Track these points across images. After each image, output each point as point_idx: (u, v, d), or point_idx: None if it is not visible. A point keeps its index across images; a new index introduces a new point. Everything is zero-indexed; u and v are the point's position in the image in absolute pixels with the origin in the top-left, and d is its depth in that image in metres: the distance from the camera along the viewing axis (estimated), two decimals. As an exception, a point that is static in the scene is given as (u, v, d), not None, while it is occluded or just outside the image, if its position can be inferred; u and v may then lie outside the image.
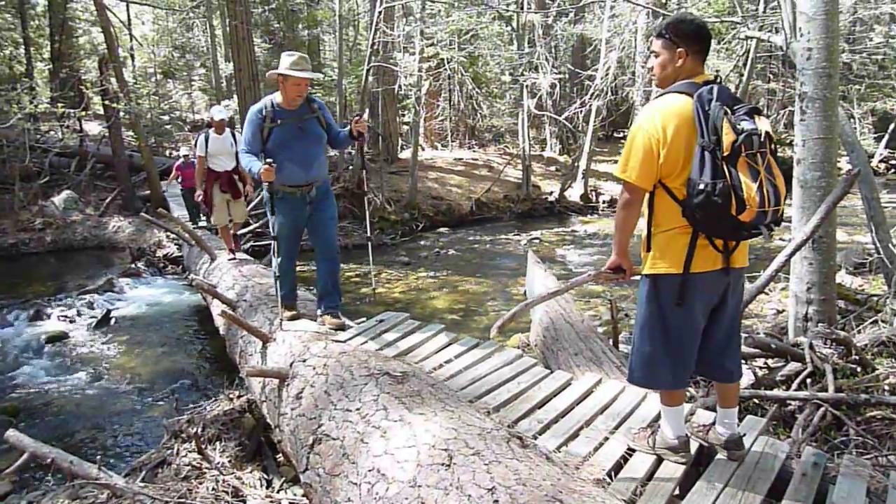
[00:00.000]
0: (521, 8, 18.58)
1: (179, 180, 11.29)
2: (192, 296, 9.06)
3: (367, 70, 14.54)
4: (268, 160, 4.00)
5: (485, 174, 18.62)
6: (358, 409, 2.83)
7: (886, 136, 22.36)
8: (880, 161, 22.31)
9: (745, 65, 18.62)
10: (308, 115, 4.23)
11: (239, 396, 4.87)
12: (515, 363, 3.82)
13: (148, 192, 14.49)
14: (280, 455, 4.11)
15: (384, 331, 4.32)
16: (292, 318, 4.45)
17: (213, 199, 7.02)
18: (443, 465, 2.24)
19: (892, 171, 22.23)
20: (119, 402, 5.83)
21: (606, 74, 15.75)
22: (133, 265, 11.29)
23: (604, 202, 17.83)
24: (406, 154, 19.09)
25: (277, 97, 4.20)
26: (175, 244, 11.46)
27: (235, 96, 16.01)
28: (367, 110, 17.83)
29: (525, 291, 7.09)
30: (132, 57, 18.85)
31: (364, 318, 4.73)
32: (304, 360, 3.57)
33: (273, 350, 4.07)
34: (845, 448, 3.76)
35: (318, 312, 4.48)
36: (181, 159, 11.42)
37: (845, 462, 2.87)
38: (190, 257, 8.94)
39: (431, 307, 9.01)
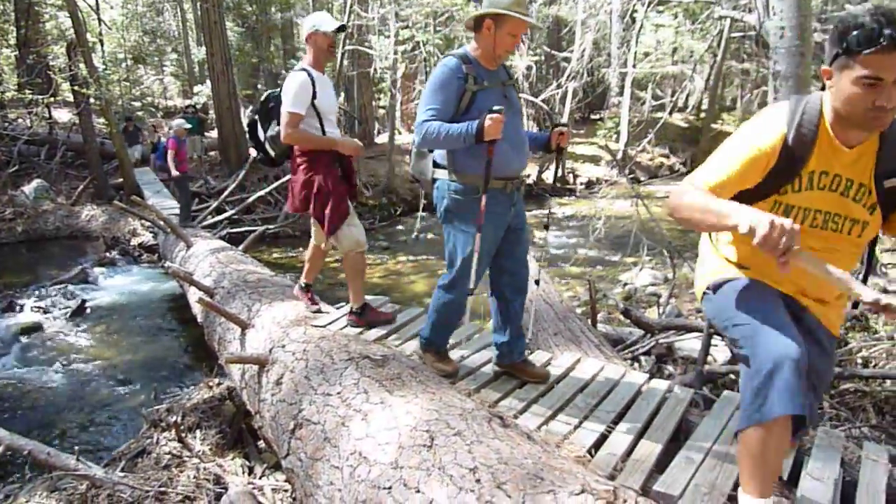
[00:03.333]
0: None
1: (171, 162, 9.99)
2: (169, 284, 8.96)
3: (342, 53, 14.38)
4: (495, 108, 2.77)
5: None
6: (339, 393, 2.83)
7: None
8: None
9: (719, 45, 18.74)
10: (508, 82, 3.09)
11: (219, 384, 4.85)
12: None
13: (120, 179, 14.26)
14: (261, 441, 4.09)
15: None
16: (449, 373, 3.33)
17: None
18: (424, 446, 2.24)
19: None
20: (96, 393, 5.76)
21: (582, 56, 15.75)
22: (107, 254, 11.12)
23: (581, 184, 17.89)
24: (383, 138, 18.99)
25: (472, 49, 2.98)
26: (150, 232, 11.30)
27: (209, 81, 15.75)
28: (342, 94, 17.68)
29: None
30: (101, 42, 18.40)
31: (343, 303, 4.71)
32: (284, 346, 3.55)
33: (252, 336, 4.04)
34: (819, 421, 3.84)
35: (495, 361, 3.41)
36: (171, 133, 10.60)
37: (820, 434, 2.92)
38: (166, 245, 8.82)
39: (411, 291, 9.01)
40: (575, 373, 3.43)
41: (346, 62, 15.71)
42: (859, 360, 4.35)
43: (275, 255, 11.16)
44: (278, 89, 4.07)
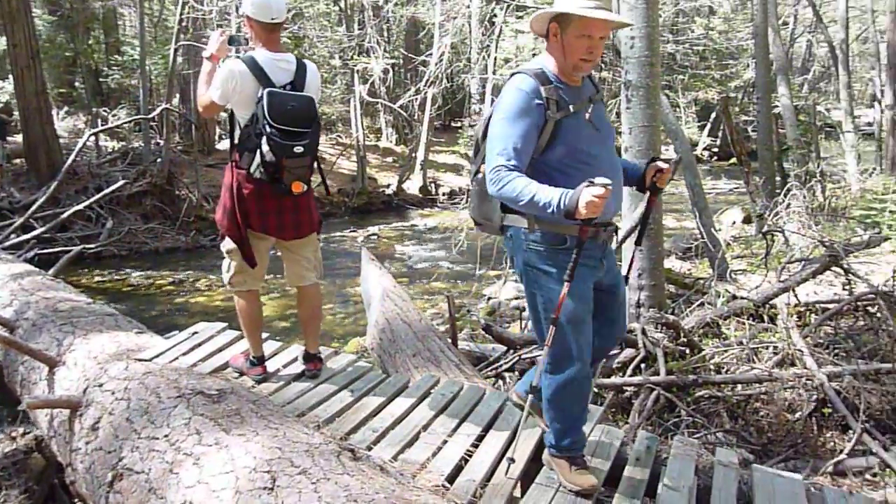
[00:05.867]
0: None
1: None
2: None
3: (175, 50, 13.74)
4: (598, 181, 2.25)
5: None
6: (166, 437, 2.66)
7: (709, 125, 24.92)
8: (703, 149, 24.81)
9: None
10: (596, 97, 2.59)
11: (24, 434, 4.42)
12: (349, 370, 3.79)
13: None
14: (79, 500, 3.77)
15: (198, 344, 4.10)
16: (586, 490, 2.67)
17: None
18: (265, 488, 2.16)
19: (715, 158, 24.80)
20: None
21: (441, 60, 16.12)
22: None
23: (443, 195, 18.23)
24: (225, 145, 18.30)
25: (550, 63, 2.51)
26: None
27: (11, 77, 14.43)
28: (177, 95, 16.88)
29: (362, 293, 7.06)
30: None
31: (176, 332, 4.46)
32: (101, 385, 3.28)
33: (62, 375, 3.71)
34: (677, 429, 4.14)
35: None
36: None
37: (675, 443, 3.15)
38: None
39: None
40: (433, 395, 3.46)
41: (180, 59, 15.03)
42: (712, 367, 4.73)
43: (97, 279, 10.38)
44: None
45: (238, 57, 3.30)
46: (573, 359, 2.57)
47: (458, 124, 22.93)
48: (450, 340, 4.86)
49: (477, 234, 10.74)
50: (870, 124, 19.43)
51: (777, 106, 12.53)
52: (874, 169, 11.86)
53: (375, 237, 13.83)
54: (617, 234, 2.83)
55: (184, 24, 13.97)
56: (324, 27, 20.53)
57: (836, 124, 15.15)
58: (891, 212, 8.39)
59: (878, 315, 4.76)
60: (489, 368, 5.22)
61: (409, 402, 3.38)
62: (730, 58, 24.67)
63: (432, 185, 18.60)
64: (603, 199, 2.22)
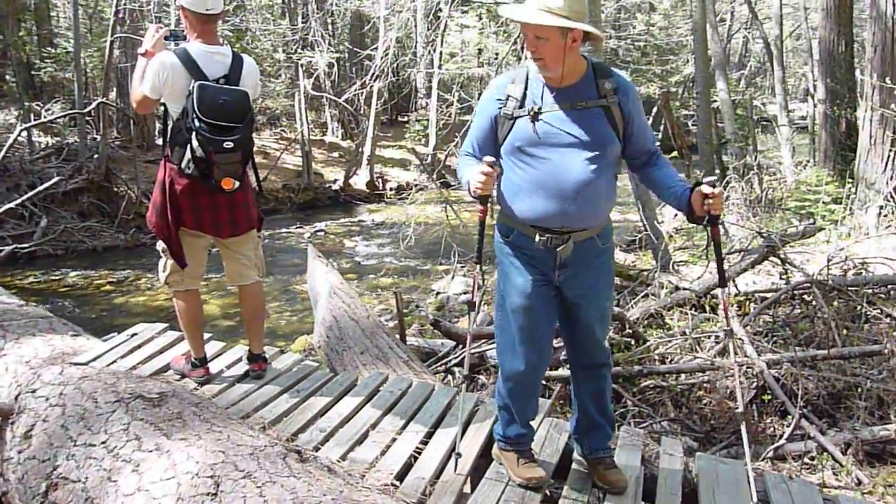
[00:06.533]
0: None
1: None
2: None
3: (111, 42, 13.30)
4: (487, 159, 2.41)
5: (260, 161, 17.97)
6: (104, 443, 2.57)
7: (650, 119, 25.42)
8: (646, 143, 25.31)
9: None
10: (590, 103, 2.43)
11: (-49, 444, 4.21)
12: (294, 369, 3.72)
13: None
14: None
15: (138, 346, 3.97)
16: (534, 481, 2.67)
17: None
18: (208, 494, 2.10)
19: (657, 152, 25.31)
20: None
21: (386, 55, 16.01)
22: None
23: (391, 190, 18.15)
24: (166, 140, 17.82)
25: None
26: None
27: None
28: (114, 89, 16.36)
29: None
30: None
31: (114, 334, 4.31)
32: (34, 391, 3.15)
33: (-8, 382, 3.55)
34: (624, 419, 4.21)
35: (577, 452, 2.92)
36: None
37: (622, 434, 3.19)
38: None
39: (204, 314, 8.52)
40: (381, 393, 3.44)
41: (116, 52, 14.55)
42: (656, 357, 4.82)
43: (30, 280, 9.98)
44: None
45: (171, 49, 3.20)
46: (514, 351, 2.61)
47: (405, 119, 22.83)
48: (398, 337, 4.84)
49: (425, 229, 10.76)
50: (804, 118, 20.14)
51: (716, 100, 12.84)
52: (808, 161, 12.26)
53: (322, 233, 13.68)
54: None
55: (120, 15, 13.53)
56: (266, 20, 20.16)
57: (771, 118, 15.64)
58: (824, 202, 8.69)
59: (814, 303, 4.92)
60: (438, 364, 5.22)
61: (357, 400, 3.34)
62: (670, 53, 25.19)
63: (379, 180, 18.49)
64: (487, 177, 2.36)
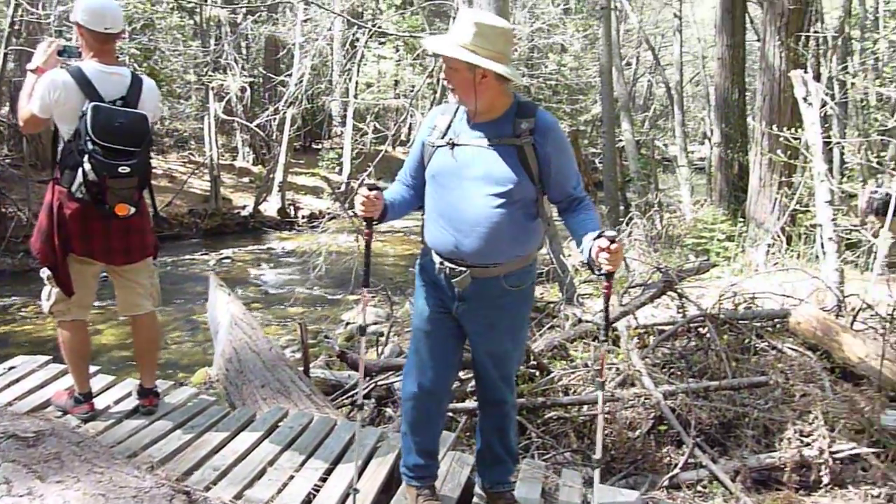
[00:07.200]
0: (205, 0, 17.90)
1: None
2: None
3: (5, 54, 12.63)
4: (367, 182, 2.54)
5: (165, 185, 17.41)
6: (-32, 488, 2.36)
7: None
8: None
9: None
10: (504, 141, 2.42)
11: None
12: (189, 404, 3.56)
13: None
14: None
15: (16, 380, 3.71)
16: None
17: None
18: (83, 542, 1.96)
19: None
20: None
21: (301, 81, 15.90)
22: None
23: (303, 217, 17.89)
24: (63, 160, 16.99)
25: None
26: None
27: None
28: (6, 104, 15.50)
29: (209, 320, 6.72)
30: None
31: (-9, 366, 4.02)
32: None
33: None
34: (528, 451, 4.23)
35: (478, 486, 2.94)
36: None
37: (523, 466, 3.21)
38: None
39: (95, 344, 8.07)
40: (280, 429, 3.33)
41: (11, 65, 13.81)
42: (560, 389, 4.90)
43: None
44: None
45: (64, 67, 3.06)
46: (412, 375, 2.68)
47: (319, 146, 22.66)
48: (301, 369, 4.72)
49: (337, 257, 10.63)
50: (702, 159, 21.25)
51: (621, 140, 13.39)
52: (705, 200, 12.93)
53: (229, 260, 13.30)
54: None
55: (16, 27, 12.88)
56: (177, 40, 19.65)
57: (672, 158, 16.42)
58: (718, 240, 9.15)
59: (708, 336, 5.14)
60: (345, 396, 5.12)
61: (255, 436, 3.23)
62: (580, 93, 26.13)
63: (291, 207, 18.21)
64: (366, 200, 2.44)
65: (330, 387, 5.33)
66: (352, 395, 5.14)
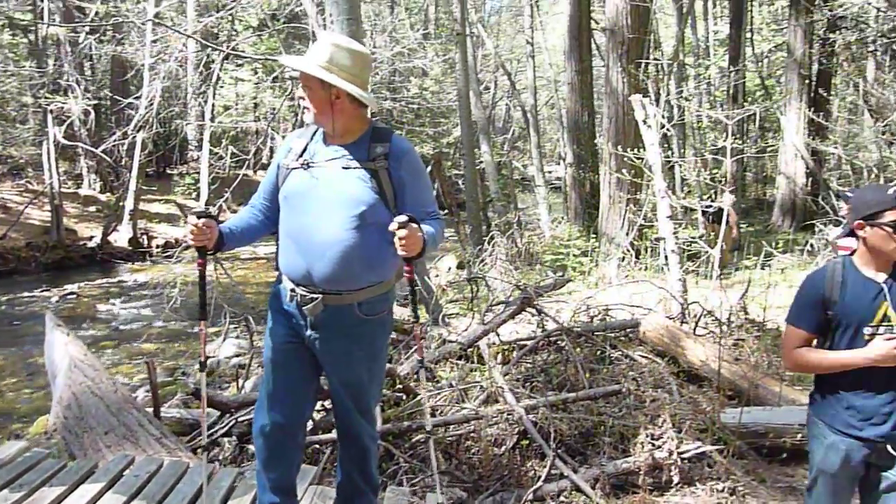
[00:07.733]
0: (41, 18, 16.69)
1: None
2: None
3: None
4: (194, 211, 2.43)
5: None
6: None
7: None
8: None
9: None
10: (365, 164, 2.40)
11: None
12: (19, 460, 3.23)
13: None
14: None
15: None
16: None
17: None
18: None
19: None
20: None
21: (151, 104, 15.15)
22: None
23: (157, 247, 16.97)
24: None
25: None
26: None
27: None
28: None
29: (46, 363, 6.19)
30: None
31: None
32: None
33: None
34: (395, 477, 4.18)
35: None
36: None
37: (388, 494, 3.16)
38: None
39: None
40: (125, 478, 3.09)
41: None
42: (427, 411, 4.89)
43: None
44: None
45: None
46: (263, 409, 2.56)
47: (174, 172, 21.65)
48: (150, 411, 4.43)
49: (194, 288, 10.13)
50: (559, 179, 22.27)
51: (481, 162, 13.77)
52: (562, 218, 13.53)
53: (74, 296, 12.36)
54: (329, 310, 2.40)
55: None
56: (10, 60, 18.19)
57: (531, 178, 17.08)
58: (574, 255, 9.59)
59: (566, 348, 5.33)
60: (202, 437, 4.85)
61: (96, 488, 2.97)
62: (441, 116, 26.66)
63: (144, 236, 17.24)
64: (195, 229, 2.35)
65: (188, 426, 5.03)
66: (210, 434, 4.88)
